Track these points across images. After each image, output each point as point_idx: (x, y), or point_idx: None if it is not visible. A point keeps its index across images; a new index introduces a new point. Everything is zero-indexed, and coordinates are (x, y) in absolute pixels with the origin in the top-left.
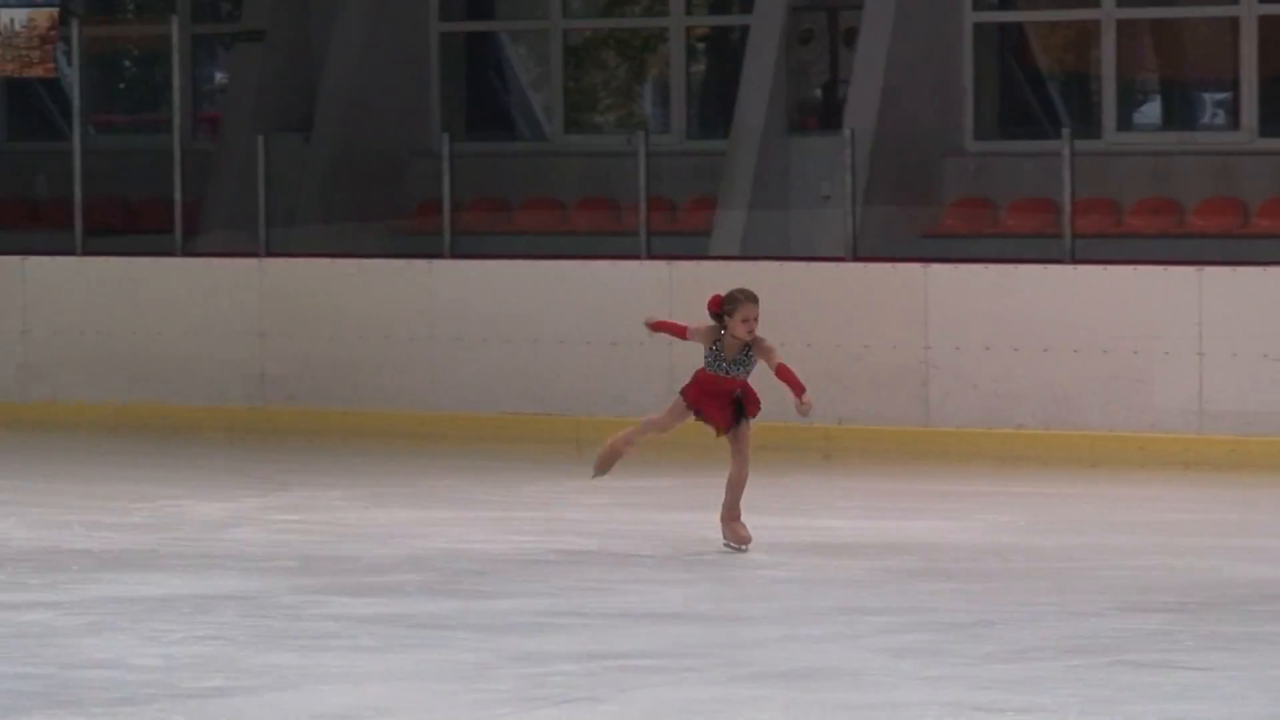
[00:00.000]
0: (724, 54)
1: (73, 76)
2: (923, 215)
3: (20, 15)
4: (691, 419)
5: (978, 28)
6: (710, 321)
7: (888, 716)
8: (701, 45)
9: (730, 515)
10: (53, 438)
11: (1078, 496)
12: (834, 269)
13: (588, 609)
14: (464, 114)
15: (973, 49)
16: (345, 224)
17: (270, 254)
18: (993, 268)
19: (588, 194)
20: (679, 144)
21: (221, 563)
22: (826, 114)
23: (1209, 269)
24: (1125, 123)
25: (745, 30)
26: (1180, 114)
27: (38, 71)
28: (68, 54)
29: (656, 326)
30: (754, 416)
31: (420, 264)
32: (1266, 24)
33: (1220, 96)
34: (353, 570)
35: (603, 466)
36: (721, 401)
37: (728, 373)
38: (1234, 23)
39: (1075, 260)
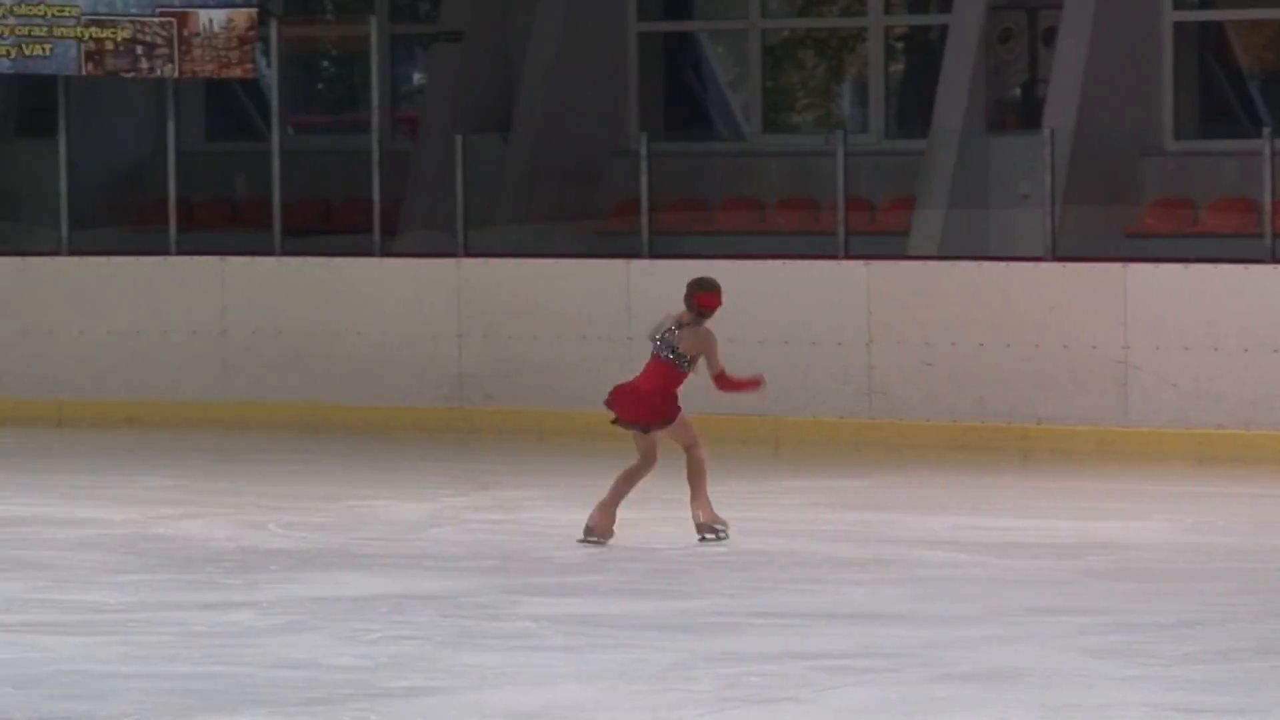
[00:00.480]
0: (923, 53)
1: (271, 77)
2: (1122, 215)
3: (220, 16)
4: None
5: (1178, 27)
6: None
7: (1084, 717)
8: (900, 44)
9: (697, 506)
10: (251, 437)
11: (1277, 497)
12: (1033, 269)
13: (781, 609)
14: (662, 114)
15: (1172, 48)
16: (543, 224)
17: (468, 254)
18: (1192, 267)
19: (786, 194)
20: (877, 144)
21: (419, 562)
22: (1025, 113)
23: None
24: None
25: (944, 29)
26: None
27: (236, 72)
28: (266, 55)
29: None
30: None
31: (618, 264)
32: None
33: None
34: (549, 570)
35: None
36: (643, 410)
37: (666, 352)
38: None
39: (1276, 260)
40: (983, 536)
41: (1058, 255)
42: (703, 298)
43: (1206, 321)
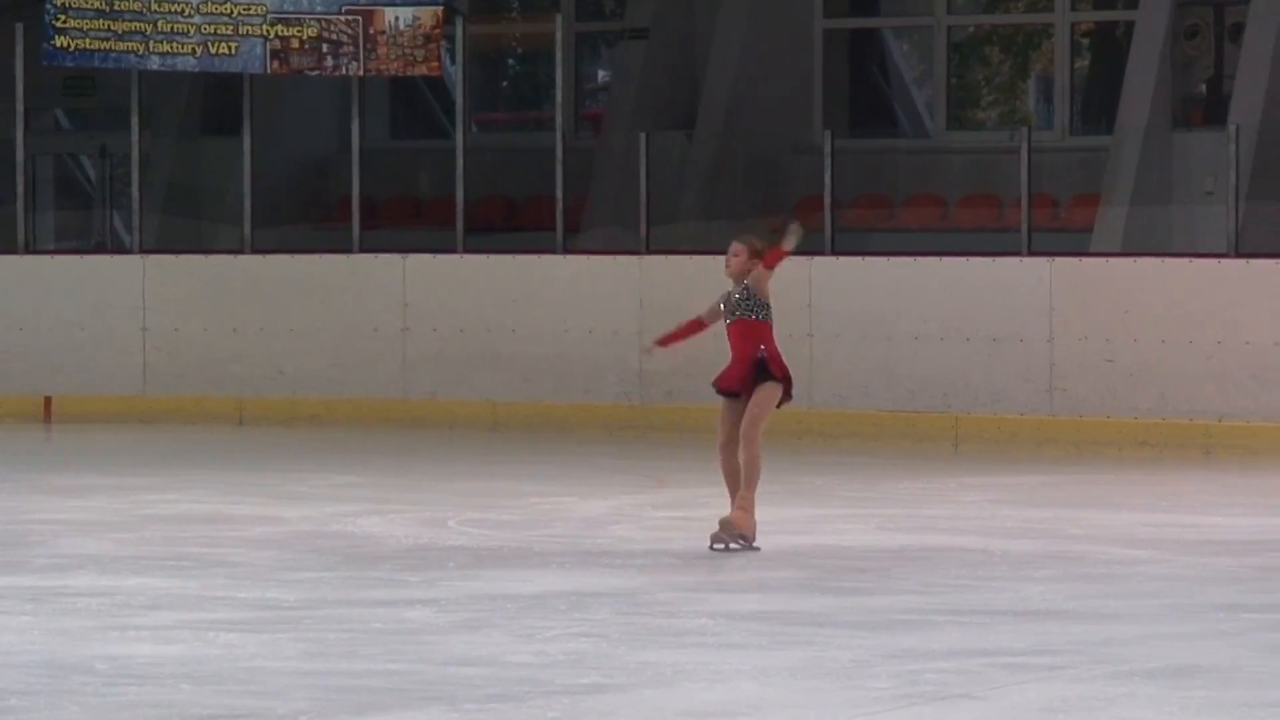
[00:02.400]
0: (1108, 49)
1: (456, 75)
2: None
3: (406, 14)
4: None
5: None
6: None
7: (1264, 715)
8: (1085, 41)
9: (736, 511)
10: (433, 434)
11: None
12: (1216, 265)
13: (961, 606)
14: (846, 110)
15: None
16: (726, 221)
17: (650, 251)
18: None
19: (969, 191)
20: (1061, 140)
21: (598, 560)
22: (1211, 109)
23: None
24: None
25: (1130, 25)
26: None
27: (422, 70)
28: (452, 52)
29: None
30: (780, 379)
31: (800, 261)
32: None
33: None
34: (728, 568)
35: (740, 528)
36: (739, 366)
37: (730, 316)
38: None
39: None
40: (1163, 533)
41: (1241, 252)
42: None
43: None
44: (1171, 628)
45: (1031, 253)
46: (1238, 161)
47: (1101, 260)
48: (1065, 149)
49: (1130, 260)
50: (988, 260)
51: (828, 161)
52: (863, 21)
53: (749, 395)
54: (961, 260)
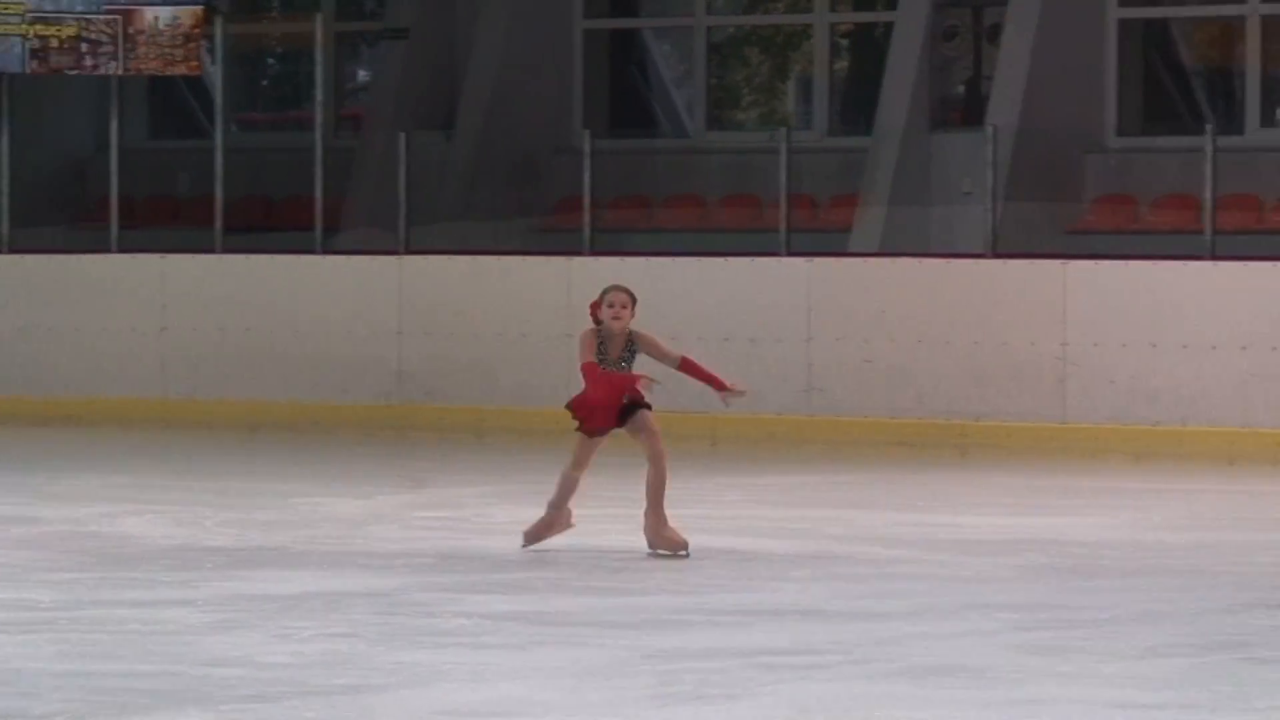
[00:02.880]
0: (868, 50)
1: (216, 74)
2: (1064, 212)
3: (166, 14)
4: (604, 440)
5: (1122, 24)
6: (591, 326)
7: (1019, 714)
8: (845, 41)
9: (657, 521)
10: (190, 435)
11: (1213, 493)
12: (973, 265)
13: (719, 605)
14: (606, 111)
15: (1117, 45)
16: (486, 221)
17: (410, 251)
18: (1132, 264)
19: (729, 191)
20: (820, 141)
21: (355, 560)
22: (969, 110)
23: None
24: (1269, 119)
25: (889, 26)
26: None
27: (181, 70)
28: (212, 52)
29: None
30: (649, 409)
31: (560, 261)
32: None
33: None
34: (486, 568)
35: (536, 536)
36: (607, 412)
37: (616, 367)
38: None
39: (1216, 257)
40: (920, 533)
41: (998, 252)
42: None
43: (1145, 318)
44: (929, 627)
45: (790, 253)
46: (995, 162)
47: (859, 260)
48: (824, 150)
49: (888, 260)
50: (746, 260)
51: (586, 162)
52: (623, 22)
53: (611, 426)
54: (720, 260)
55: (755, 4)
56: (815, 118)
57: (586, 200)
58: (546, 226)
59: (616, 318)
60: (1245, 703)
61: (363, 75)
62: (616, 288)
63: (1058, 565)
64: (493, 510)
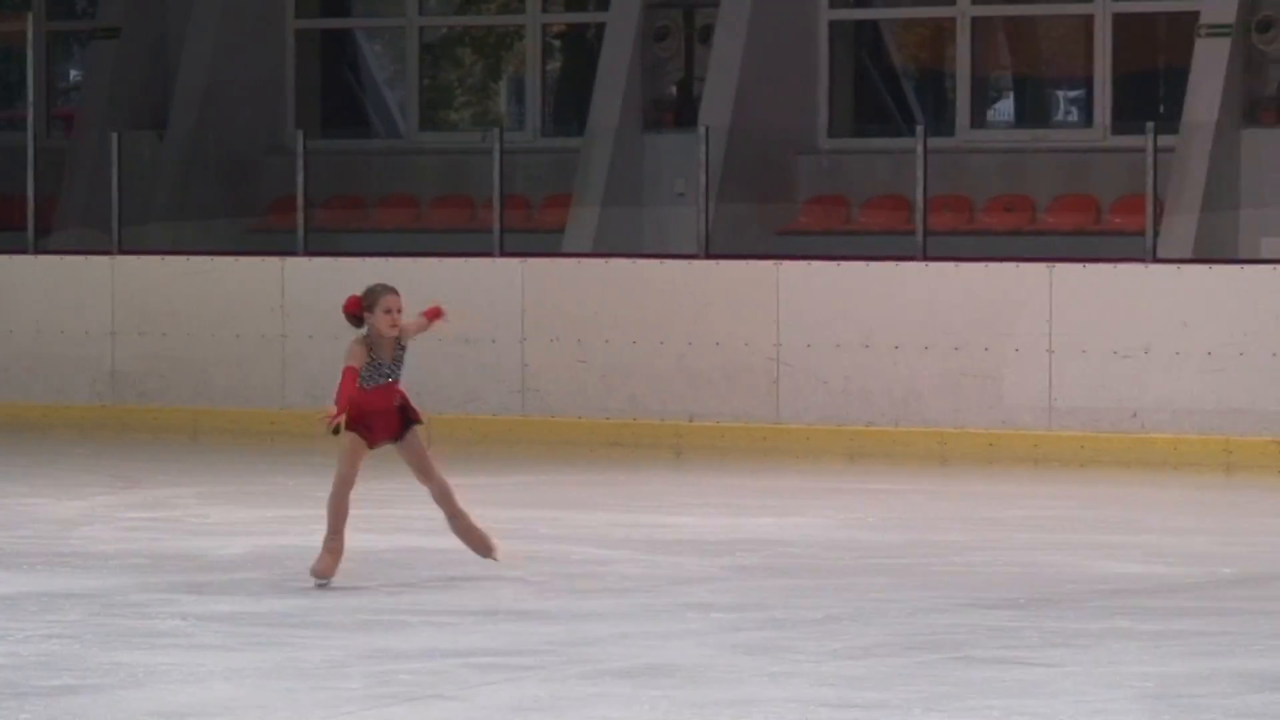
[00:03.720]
0: (580, 51)
1: None
2: (776, 213)
3: None
4: (368, 450)
5: (833, 25)
6: (358, 331)
7: (734, 714)
8: (557, 42)
9: (465, 527)
10: None
11: (926, 493)
12: (686, 266)
13: (433, 606)
14: (319, 111)
15: (828, 46)
16: (199, 221)
17: (123, 251)
18: (845, 265)
19: (443, 191)
20: (534, 141)
21: (70, 560)
22: (681, 111)
23: (1060, 266)
24: (979, 120)
25: (601, 27)
26: (1034, 111)
27: None
28: None
29: (338, 413)
30: (419, 423)
31: (273, 261)
32: (1120, 22)
33: (1074, 94)
34: (201, 568)
35: (326, 571)
36: (386, 419)
37: (389, 377)
38: (1088, 21)
39: (927, 257)
40: (635, 533)
41: (711, 253)
42: (350, 301)
43: (858, 319)
44: (643, 626)
45: (504, 253)
46: (707, 163)
47: (573, 261)
48: (537, 150)
49: (601, 261)
50: (460, 261)
51: (300, 162)
52: (335, 22)
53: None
54: (434, 261)
55: (467, 5)
56: (528, 118)
57: (300, 200)
58: (260, 227)
59: (394, 325)
60: (959, 701)
61: (75, 75)
62: (388, 289)
63: (772, 565)
64: (207, 510)
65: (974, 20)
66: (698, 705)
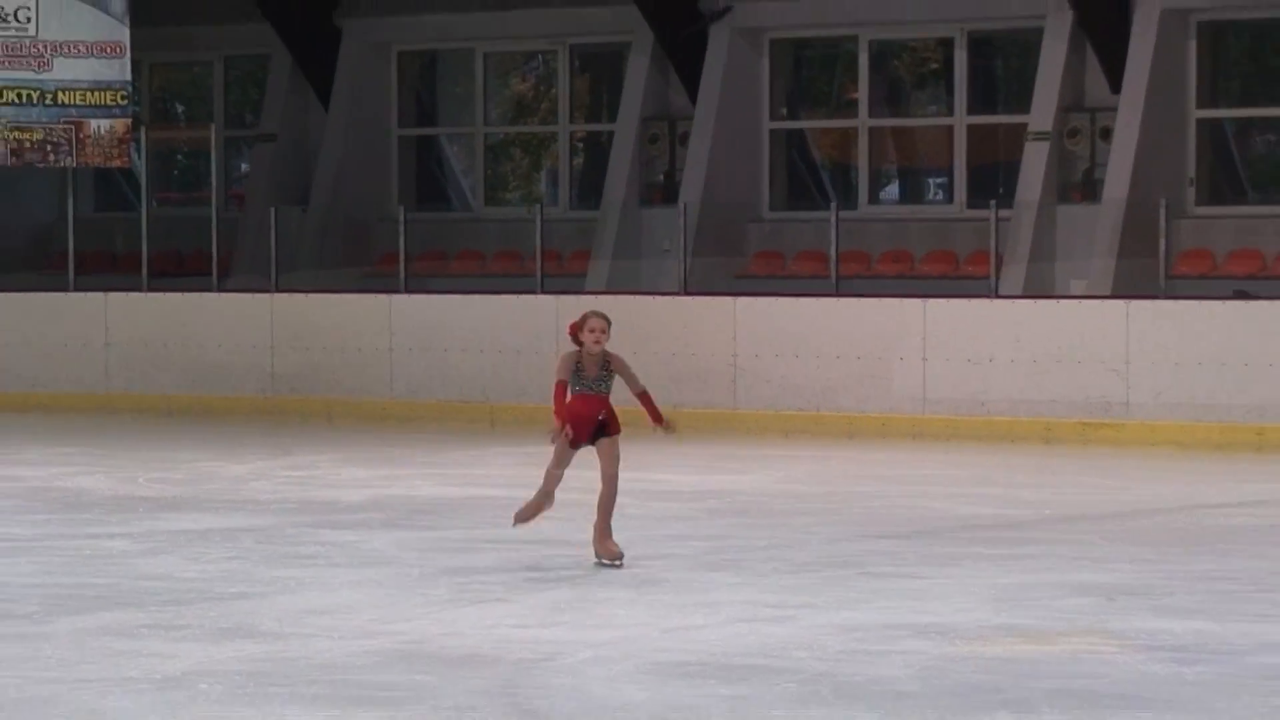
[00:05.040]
0: (597, 150)
1: (141, 166)
2: (734, 264)
3: (105, 124)
4: (574, 449)
5: (773, 132)
6: (571, 348)
7: (704, 612)
8: (581, 145)
9: (602, 534)
10: (124, 420)
11: (839, 459)
12: (671, 301)
13: (494, 537)
14: (415, 192)
15: (769, 146)
16: (331, 269)
17: (279, 290)
18: (781, 299)
19: (501, 249)
20: (564, 213)
21: (242, 506)
22: (667, 192)
23: (930, 300)
24: (874, 198)
25: (611, 134)
26: (912, 192)
27: (116, 163)
28: (138, 150)
29: (559, 425)
30: (617, 434)
31: (384, 298)
32: (972, 129)
33: (940, 180)
34: (334, 511)
35: (525, 516)
36: (589, 425)
37: (591, 389)
38: (950, 129)
39: (840, 294)
40: (634, 487)
41: (689, 291)
42: (571, 325)
43: (791, 336)
44: (642, 550)
45: (544, 292)
46: (685, 229)
47: (592, 297)
48: (567, 220)
49: (612, 297)
50: (513, 297)
51: (401, 227)
52: (426, 130)
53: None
54: (493, 297)
55: (518, 118)
56: (560, 197)
57: (401, 255)
58: (372, 274)
59: (597, 341)
60: (865, 602)
61: (244, 166)
62: (596, 313)
63: (730, 509)
64: (338, 470)
65: (870, 129)
66: (679, 605)
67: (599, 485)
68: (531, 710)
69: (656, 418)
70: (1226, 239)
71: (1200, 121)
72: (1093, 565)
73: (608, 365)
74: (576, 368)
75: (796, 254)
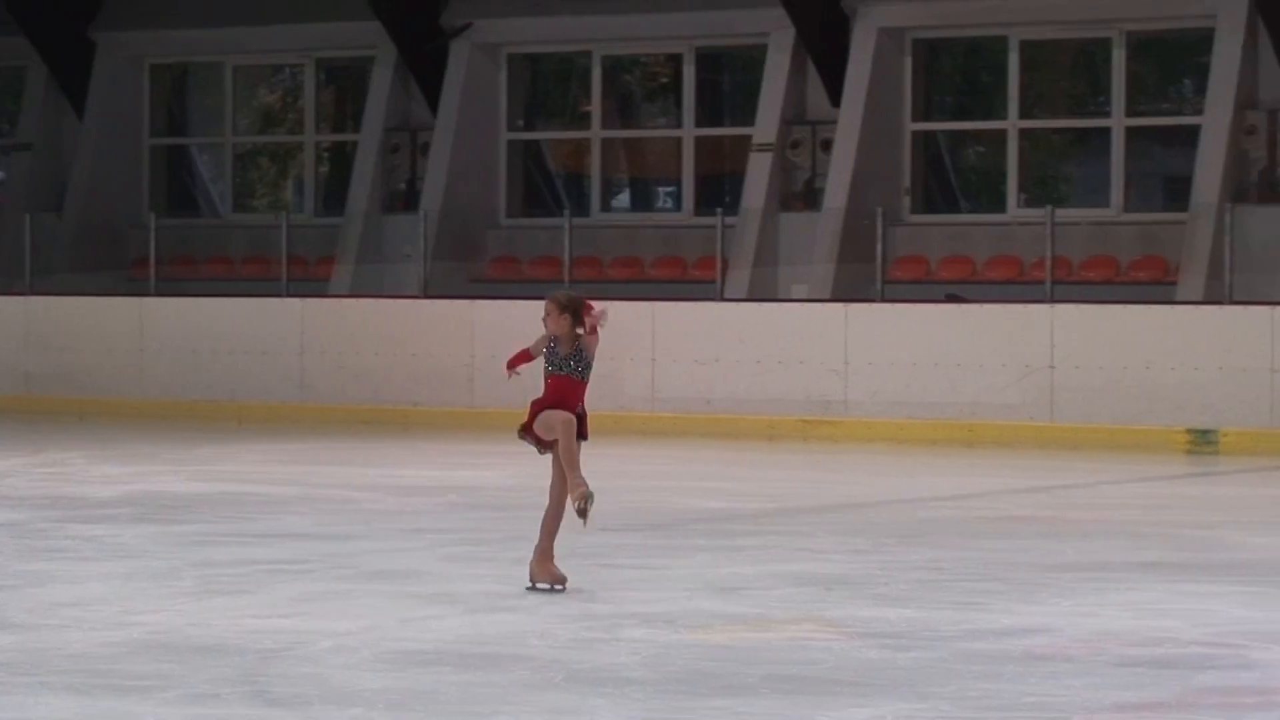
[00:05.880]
0: (341, 159)
1: None
2: (473, 269)
3: None
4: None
5: (510, 143)
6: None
7: (445, 601)
8: (326, 154)
9: (545, 556)
10: None
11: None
12: (412, 304)
13: (242, 530)
14: (165, 198)
15: (506, 156)
16: (85, 273)
17: (34, 293)
18: (519, 303)
19: (249, 254)
20: (310, 220)
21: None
22: (409, 200)
23: (660, 304)
24: (606, 206)
25: (355, 144)
26: (642, 201)
27: None
28: None
29: (512, 363)
30: (585, 439)
31: (135, 301)
32: (700, 141)
33: (669, 189)
34: (83, 506)
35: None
36: (570, 409)
37: (564, 370)
38: (679, 140)
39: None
40: (380, 482)
41: (429, 294)
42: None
43: (528, 338)
44: (383, 544)
45: (289, 295)
46: (426, 234)
47: (336, 300)
48: (313, 226)
49: (356, 300)
50: (260, 300)
51: (152, 234)
52: (177, 140)
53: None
54: (243, 300)
55: (266, 128)
56: (306, 204)
57: (153, 261)
58: (125, 278)
59: (550, 325)
60: (597, 592)
61: (1, 175)
62: (550, 296)
63: (468, 502)
64: (90, 468)
65: (603, 140)
66: (418, 596)
67: (544, 500)
68: (273, 697)
69: (592, 327)
70: (939, 246)
71: (915, 134)
72: (811, 556)
73: (579, 347)
74: (550, 346)
75: (532, 259)
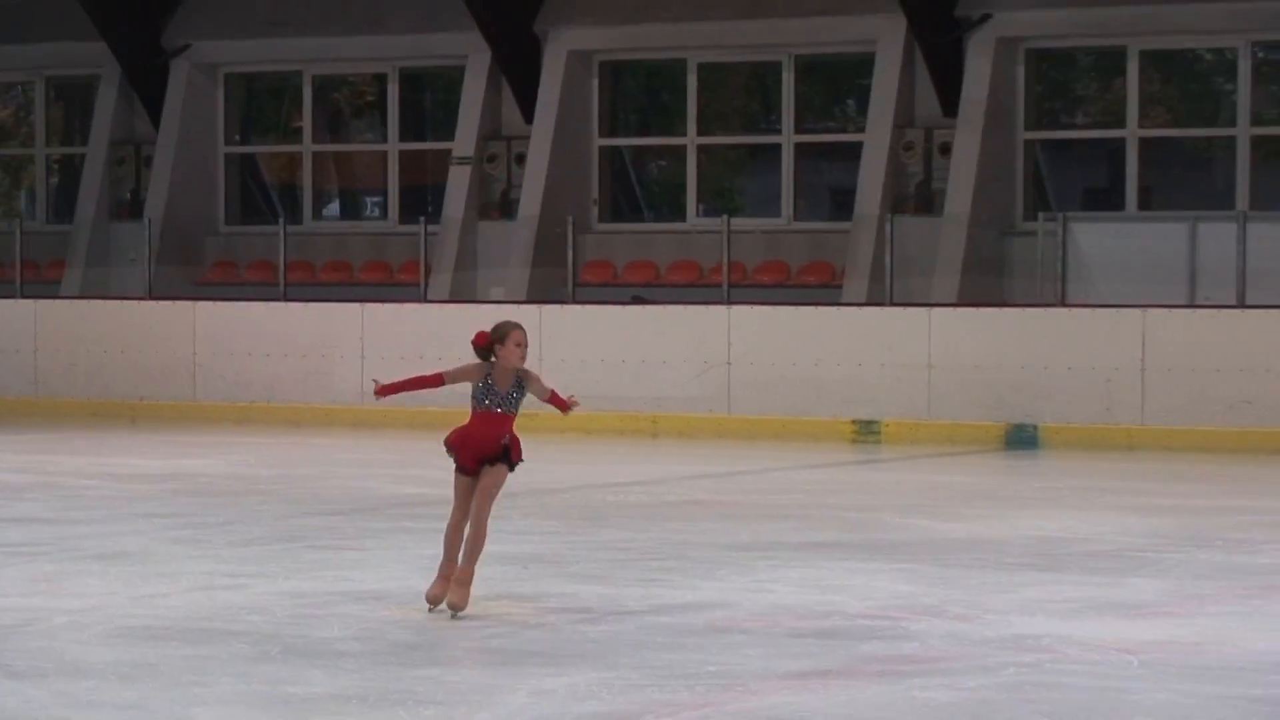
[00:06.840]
0: (71, 171)
1: None
2: (194, 272)
3: None
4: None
5: (228, 156)
6: (477, 359)
7: (167, 581)
8: (56, 165)
9: (463, 581)
10: None
11: (285, 445)
12: (138, 305)
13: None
14: None
15: (224, 167)
16: None
17: None
18: (237, 304)
19: None
20: (42, 227)
21: None
22: (134, 208)
23: (368, 305)
24: (318, 215)
25: (83, 156)
26: (351, 210)
27: None
28: None
29: (384, 391)
30: (513, 464)
31: None
32: (404, 155)
33: (376, 199)
34: None
35: (460, 603)
36: (482, 445)
37: (500, 407)
38: (385, 153)
39: (287, 300)
40: (107, 469)
41: (153, 296)
42: (480, 336)
43: (244, 335)
44: (112, 527)
45: (24, 296)
46: (150, 241)
47: (68, 301)
48: (45, 232)
49: (85, 301)
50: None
51: None
52: None
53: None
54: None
55: None
56: (38, 212)
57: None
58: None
59: (522, 358)
60: (314, 570)
61: None
62: (516, 325)
63: (192, 489)
64: None
65: (314, 154)
66: (145, 575)
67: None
68: (13, 670)
69: (565, 406)
70: (625, 252)
71: (602, 149)
72: (508, 537)
73: (520, 381)
74: (486, 381)
75: (249, 264)
